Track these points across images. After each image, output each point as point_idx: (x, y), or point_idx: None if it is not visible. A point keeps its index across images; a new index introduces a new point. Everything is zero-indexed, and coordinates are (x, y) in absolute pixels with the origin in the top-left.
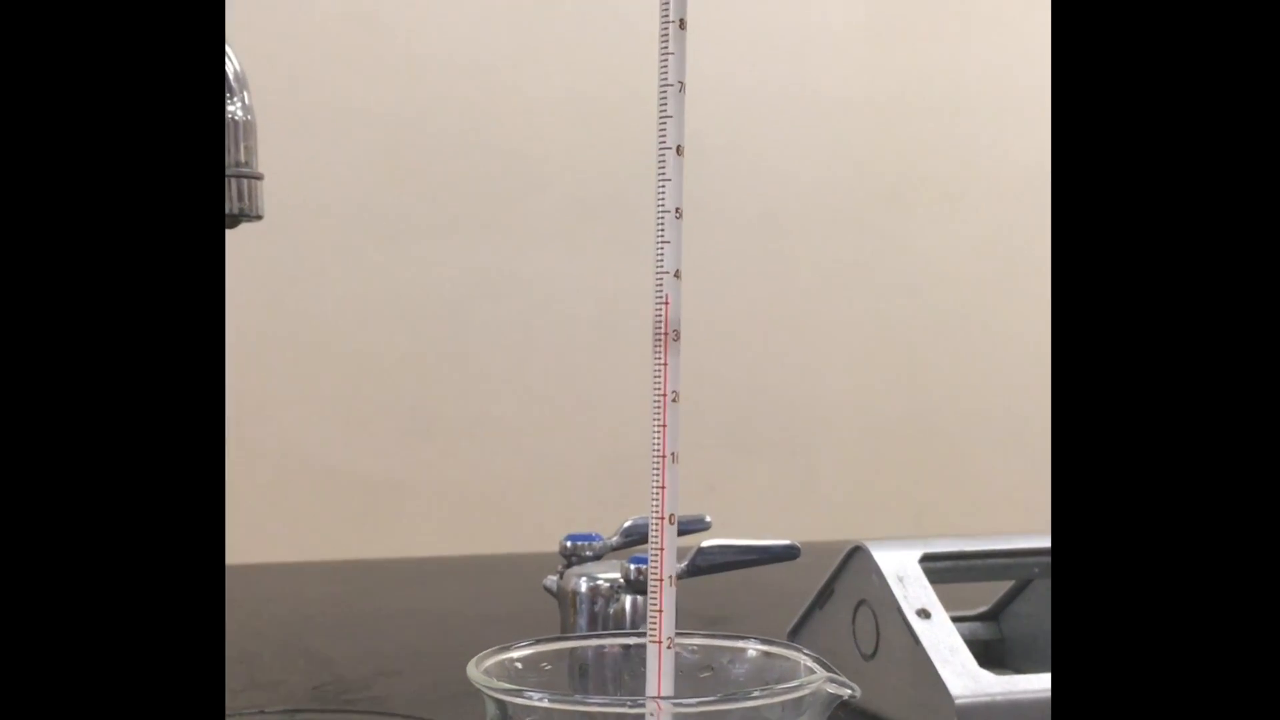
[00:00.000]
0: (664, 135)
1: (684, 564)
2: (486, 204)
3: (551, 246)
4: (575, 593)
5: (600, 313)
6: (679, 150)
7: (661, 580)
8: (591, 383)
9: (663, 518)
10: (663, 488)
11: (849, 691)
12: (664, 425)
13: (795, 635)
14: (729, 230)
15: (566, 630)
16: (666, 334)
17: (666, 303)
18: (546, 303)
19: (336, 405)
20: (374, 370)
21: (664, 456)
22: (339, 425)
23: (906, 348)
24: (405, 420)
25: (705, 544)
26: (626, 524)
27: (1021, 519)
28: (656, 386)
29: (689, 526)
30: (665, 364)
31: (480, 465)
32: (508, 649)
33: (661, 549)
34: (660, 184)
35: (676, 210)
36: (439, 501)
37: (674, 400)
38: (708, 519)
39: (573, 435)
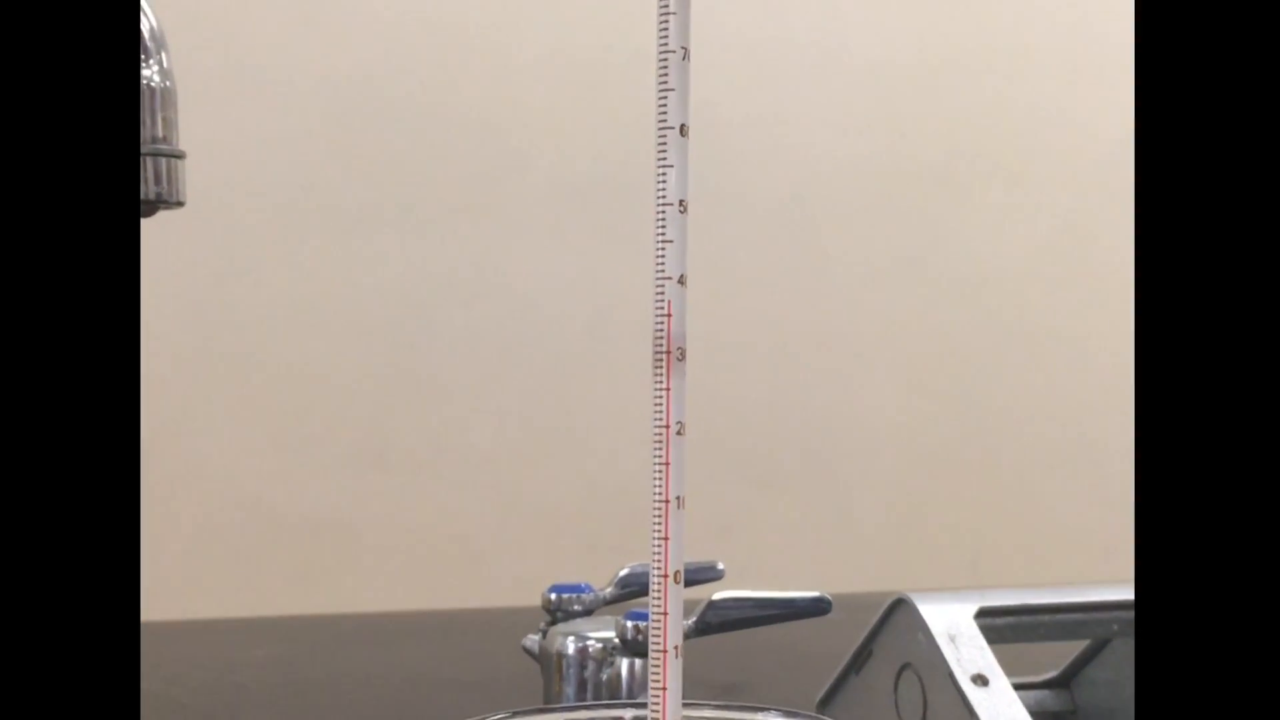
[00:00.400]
0: (664, 113)
1: (692, 621)
2: (454, 189)
3: (532, 241)
4: (561, 655)
5: (591, 322)
6: (683, 130)
7: (665, 651)
8: (580, 404)
9: (665, 575)
10: (665, 539)
11: None
12: (667, 464)
13: (826, 706)
14: (746, 222)
15: (550, 700)
16: (669, 352)
17: (668, 314)
18: (526, 309)
19: (275, 430)
20: (319, 388)
21: (667, 502)
22: (277, 454)
23: (961, 361)
24: (357, 448)
25: (717, 596)
26: (623, 572)
27: (1099, 565)
28: (657, 416)
29: (698, 575)
30: (668, 389)
31: (447, 502)
32: None
33: (665, 613)
34: (661, 171)
35: (680, 203)
36: (397, 545)
37: (679, 433)
38: (720, 566)
39: (558, 466)
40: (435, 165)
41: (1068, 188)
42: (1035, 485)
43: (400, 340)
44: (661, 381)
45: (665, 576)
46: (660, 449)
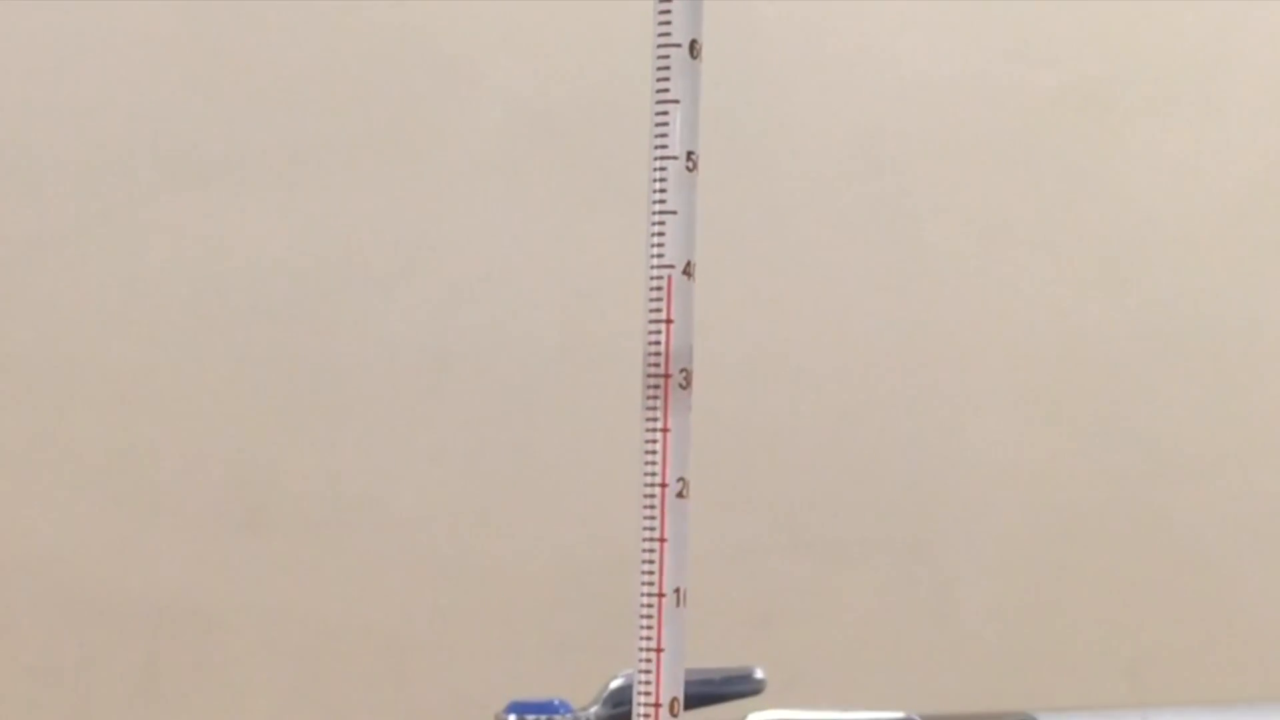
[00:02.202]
0: (667, 22)
1: None
2: (359, 127)
3: (477, 204)
4: None
5: (567, 324)
6: (693, 49)
7: None
8: (551, 438)
9: (658, 704)
10: (658, 651)
11: None
12: (661, 540)
13: None
14: (795, 175)
15: None
16: (667, 376)
17: (667, 320)
18: (468, 302)
19: (90, 477)
20: (158, 414)
21: (661, 595)
22: (94, 513)
23: (1116, 378)
24: (215, 503)
25: (757, 718)
26: (615, 683)
27: None
28: (650, 470)
29: (727, 687)
30: (665, 429)
31: (353, 582)
32: None
33: None
34: (660, 109)
35: (688, 156)
36: (278, 647)
37: (680, 494)
38: (759, 674)
39: (517, 530)
40: (330, 91)
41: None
42: (1223, 561)
43: (281, 346)
44: (656, 419)
45: (657, 707)
46: (653, 518)
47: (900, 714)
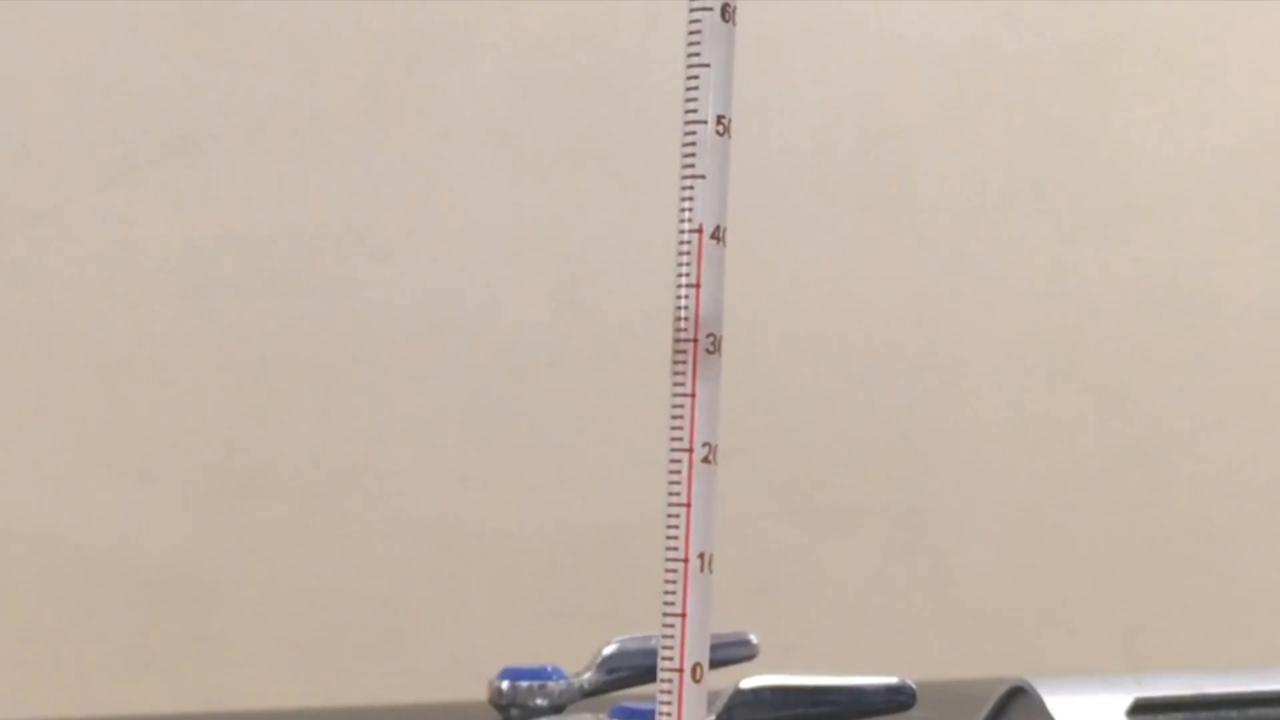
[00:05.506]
0: None
1: (711, 718)
2: (350, 91)
3: (472, 168)
4: None
5: (560, 290)
6: (725, 12)
7: None
8: (542, 408)
9: (681, 670)
10: (683, 616)
11: None
12: (688, 505)
13: None
14: (790, 144)
15: None
16: (695, 341)
17: (696, 285)
18: (460, 268)
19: (88, 444)
20: (154, 380)
21: (686, 561)
22: (91, 479)
23: (1116, 347)
24: (213, 470)
25: (748, 684)
26: (608, 650)
27: None
28: (677, 436)
29: (723, 653)
30: (693, 394)
31: (351, 550)
32: None
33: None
34: (691, 74)
35: (719, 120)
36: (277, 614)
37: (706, 459)
38: (753, 639)
39: (512, 498)
40: (324, 58)
41: (1271, 89)
42: (1219, 528)
43: (277, 314)
44: (684, 385)
45: (680, 671)
46: (679, 483)
47: (895, 680)
